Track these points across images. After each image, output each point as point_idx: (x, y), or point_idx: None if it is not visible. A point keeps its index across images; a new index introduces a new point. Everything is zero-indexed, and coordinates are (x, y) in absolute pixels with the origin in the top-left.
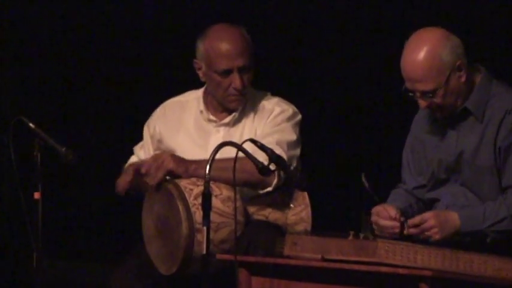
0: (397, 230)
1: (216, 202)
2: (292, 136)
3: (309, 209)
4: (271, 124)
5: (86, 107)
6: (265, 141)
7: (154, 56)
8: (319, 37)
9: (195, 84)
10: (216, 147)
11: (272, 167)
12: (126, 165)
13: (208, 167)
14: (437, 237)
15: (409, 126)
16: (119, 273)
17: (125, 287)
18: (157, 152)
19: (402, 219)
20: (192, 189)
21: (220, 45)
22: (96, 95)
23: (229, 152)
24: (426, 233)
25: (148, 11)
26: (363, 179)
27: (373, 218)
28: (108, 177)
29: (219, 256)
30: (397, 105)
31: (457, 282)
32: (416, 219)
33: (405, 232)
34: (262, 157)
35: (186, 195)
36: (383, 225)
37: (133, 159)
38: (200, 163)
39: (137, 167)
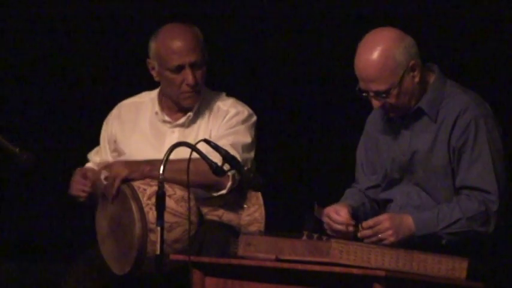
0: (350, 232)
1: (169, 202)
2: (247, 138)
3: (263, 209)
4: (226, 126)
5: (38, 108)
6: (220, 143)
7: (109, 56)
8: (274, 38)
9: (150, 84)
10: (170, 148)
11: (226, 167)
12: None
13: (162, 167)
14: (392, 239)
15: (363, 126)
16: (72, 273)
17: (80, 287)
18: (114, 154)
19: (353, 222)
20: (145, 189)
21: (171, 42)
22: (49, 96)
23: (184, 153)
24: (380, 235)
25: (102, 11)
26: (316, 210)
27: (325, 219)
28: (61, 176)
29: (172, 256)
30: (352, 105)
31: (411, 282)
32: (370, 221)
33: (359, 235)
34: (216, 158)
35: (140, 195)
36: (335, 229)
37: (88, 165)
38: (154, 164)
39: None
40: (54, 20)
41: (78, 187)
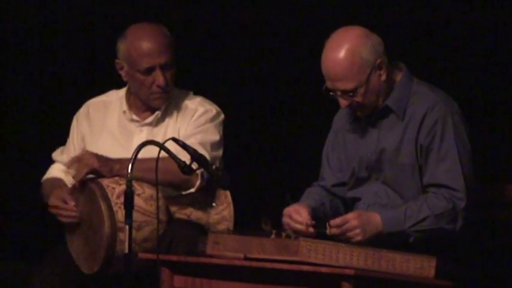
0: (310, 232)
1: (138, 201)
2: (216, 136)
3: (231, 207)
4: (194, 124)
5: (8, 105)
6: (188, 142)
7: (75, 56)
8: (241, 36)
9: (118, 83)
10: (138, 146)
11: (194, 166)
12: (45, 177)
13: (130, 165)
14: (359, 238)
15: (331, 125)
16: (42, 272)
17: (48, 286)
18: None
19: (313, 222)
20: (114, 188)
21: (141, 43)
22: (18, 94)
23: (153, 152)
24: (348, 234)
25: (69, 10)
26: (288, 200)
27: (285, 219)
28: (30, 174)
29: (141, 255)
30: (319, 104)
31: (380, 281)
32: (338, 220)
33: (328, 233)
34: (185, 157)
35: (109, 194)
36: (295, 228)
37: (53, 169)
38: (124, 163)
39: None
40: (23, 19)
41: (67, 214)
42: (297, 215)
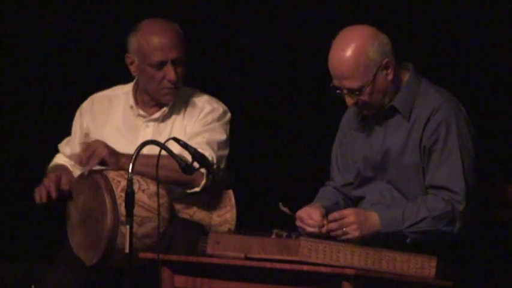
0: (323, 234)
1: (142, 196)
2: (222, 136)
3: (234, 210)
4: (201, 123)
5: (10, 101)
6: (195, 141)
7: (78, 52)
8: (248, 35)
9: (122, 79)
10: (139, 146)
11: (195, 165)
12: (50, 165)
13: (131, 165)
14: (356, 234)
15: (337, 125)
16: (52, 273)
17: (60, 282)
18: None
19: (326, 223)
20: (119, 181)
21: (153, 38)
22: (21, 90)
23: (157, 148)
24: (345, 229)
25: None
26: (282, 208)
27: (298, 223)
28: (35, 172)
29: (142, 255)
30: (325, 104)
31: (380, 281)
32: (335, 214)
33: (324, 229)
34: (187, 156)
35: (114, 186)
36: (308, 231)
37: (58, 158)
38: (130, 158)
39: (56, 178)
40: (26, 14)
41: (41, 193)
42: (309, 218)
